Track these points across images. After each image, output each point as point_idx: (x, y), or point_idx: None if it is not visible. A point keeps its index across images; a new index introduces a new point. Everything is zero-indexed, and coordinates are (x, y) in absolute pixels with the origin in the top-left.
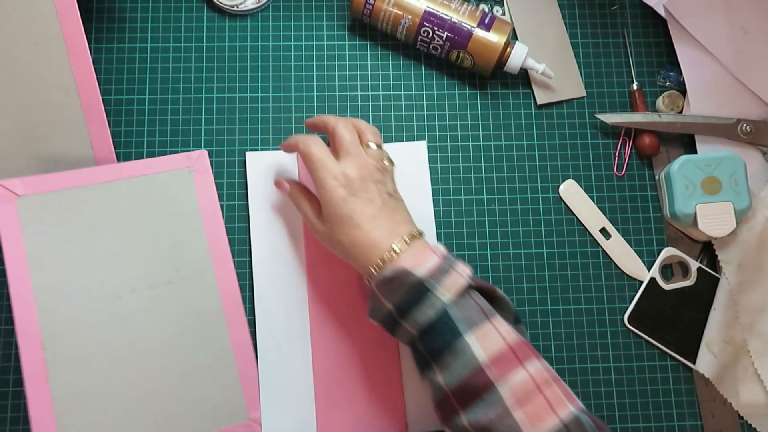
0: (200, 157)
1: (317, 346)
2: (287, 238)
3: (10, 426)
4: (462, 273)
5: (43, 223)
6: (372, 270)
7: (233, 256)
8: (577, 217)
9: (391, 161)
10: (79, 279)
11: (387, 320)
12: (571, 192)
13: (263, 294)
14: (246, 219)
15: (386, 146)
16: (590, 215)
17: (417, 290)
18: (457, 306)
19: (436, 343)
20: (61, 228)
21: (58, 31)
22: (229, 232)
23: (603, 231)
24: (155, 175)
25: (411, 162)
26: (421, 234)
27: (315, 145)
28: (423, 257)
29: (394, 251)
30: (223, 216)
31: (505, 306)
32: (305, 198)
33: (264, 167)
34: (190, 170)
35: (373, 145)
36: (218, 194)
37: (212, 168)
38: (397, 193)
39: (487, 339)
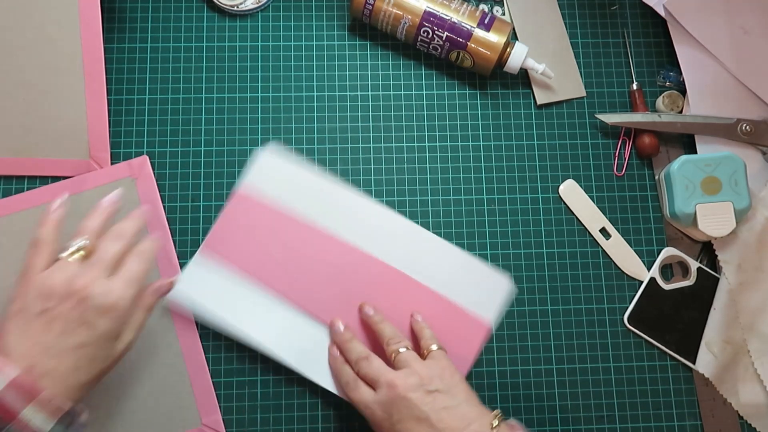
0: (142, 164)
1: None
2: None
3: None
4: None
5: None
6: None
7: None
8: (577, 217)
9: (441, 348)
10: None
11: None
12: (571, 192)
13: None
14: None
15: (468, 261)
16: (590, 215)
17: None
18: None
19: None
20: (16, 249)
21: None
22: None
23: (603, 231)
24: (99, 188)
25: (486, 293)
26: (497, 420)
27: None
28: None
29: None
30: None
31: None
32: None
33: (274, 167)
34: (133, 179)
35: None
36: (219, 194)
37: (212, 167)
38: (447, 382)
39: None
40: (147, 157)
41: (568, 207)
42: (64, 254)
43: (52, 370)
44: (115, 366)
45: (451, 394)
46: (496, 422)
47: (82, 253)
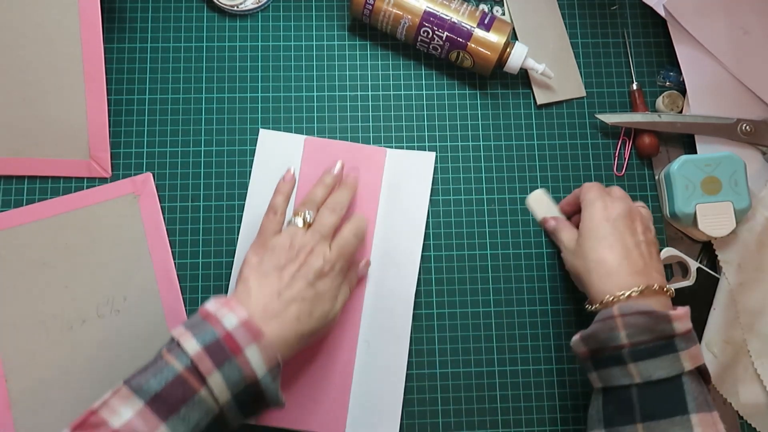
0: (145, 181)
1: None
2: None
3: None
4: (701, 350)
5: (0, 260)
6: (608, 299)
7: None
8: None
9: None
10: (35, 312)
11: (607, 353)
12: (537, 202)
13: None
14: (242, 208)
15: (393, 151)
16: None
17: (665, 342)
18: (692, 380)
19: (657, 405)
20: (17, 263)
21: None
22: (226, 233)
23: None
24: (102, 204)
25: (415, 173)
26: (672, 294)
27: (598, 184)
28: (682, 314)
29: (637, 291)
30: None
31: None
32: (567, 229)
33: (275, 147)
34: (136, 195)
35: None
36: (218, 194)
37: (212, 167)
38: (656, 247)
39: (709, 430)
40: (150, 174)
41: (532, 215)
42: (295, 221)
43: (280, 313)
44: (323, 333)
45: (652, 247)
46: (672, 290)
47: (308, 221)
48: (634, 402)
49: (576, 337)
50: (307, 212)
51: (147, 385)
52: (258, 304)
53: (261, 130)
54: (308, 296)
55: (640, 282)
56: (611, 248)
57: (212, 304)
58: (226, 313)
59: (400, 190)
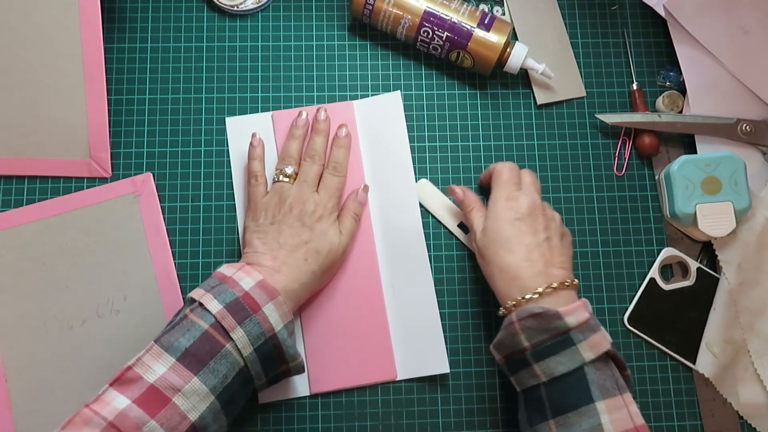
0: (145, 181)
1: (304, 303)
2: None
3: None
4: (605, 337)
5: (0, 260)
6: (510, 304)
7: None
8: (432, 214)
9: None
10: (35, 311)
11: (515, 357)
12: (425, 192)
13: None
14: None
15: (359, 101)
16: (446, 210)
17: (562, 338)
18: (595, 369)
19: (563, 399)
20: (17, 263)
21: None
22: (226, 233)
23: (462, 226)
24: (102, 204)
25: (386, 115)
26: (575, 285)
27: (509, 167)
28: (574, 307)
29: (537, 293)
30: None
31: (630, 386)
32: (477, 209)
33: (244, 130)
34: (136, 195)
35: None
36: (218, 194)
37: (212, 167)
38: (564, 238)
39: (617, 413)
40: (150, 174)
41: (423, 205)
42: (278, 179)
43: (288, 259)
44: (337, 267)
45: (554, 241)
46: (574, 281)
47: (289, 174)
48: (544, 400)
49: (491, 346)
50: (286, 167)
51: (177, 343)
52: (266, 258)
53: (227, 119)
54: (309, 238)
55: (539, 284)
56: (512, 252)
57: (227, 269)
58: (242, 276)
59: (377, 134)
